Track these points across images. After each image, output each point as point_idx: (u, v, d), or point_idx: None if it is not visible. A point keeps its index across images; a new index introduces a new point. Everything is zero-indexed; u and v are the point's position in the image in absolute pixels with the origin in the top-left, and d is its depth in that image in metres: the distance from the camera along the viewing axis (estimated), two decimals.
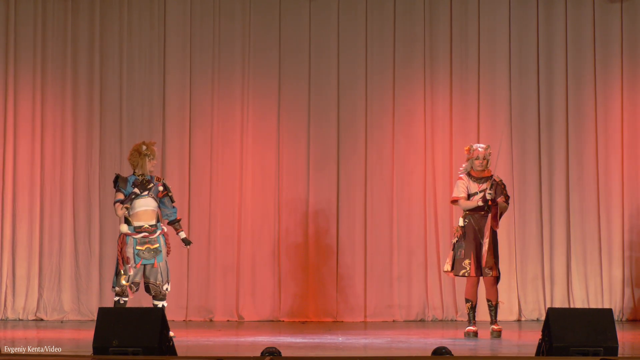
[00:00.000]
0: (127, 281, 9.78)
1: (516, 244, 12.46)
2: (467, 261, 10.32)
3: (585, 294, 12.51)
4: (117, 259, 9.83)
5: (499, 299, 10.56)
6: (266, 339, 9.88)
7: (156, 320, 7.35)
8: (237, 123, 12.61)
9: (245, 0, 12.68)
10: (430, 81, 12.68)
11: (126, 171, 10.65)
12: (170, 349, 7.44)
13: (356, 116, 12.64)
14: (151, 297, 9.97)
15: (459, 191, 10.50)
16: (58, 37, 12.57)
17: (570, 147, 12.62)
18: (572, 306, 12.29)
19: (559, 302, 12.46)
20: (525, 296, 12.54)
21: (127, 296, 9.81)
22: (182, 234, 10.22)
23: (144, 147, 10.01)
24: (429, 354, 7.54)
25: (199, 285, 12.46)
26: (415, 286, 12.50)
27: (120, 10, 12.60)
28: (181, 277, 12.34)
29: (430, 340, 9.84)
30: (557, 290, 12.52)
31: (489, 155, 10.51)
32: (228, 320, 12.38)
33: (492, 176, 10.45)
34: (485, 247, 10.27)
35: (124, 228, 9.88)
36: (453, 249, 10.44)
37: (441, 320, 12.38)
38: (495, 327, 10.38)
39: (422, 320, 12.44)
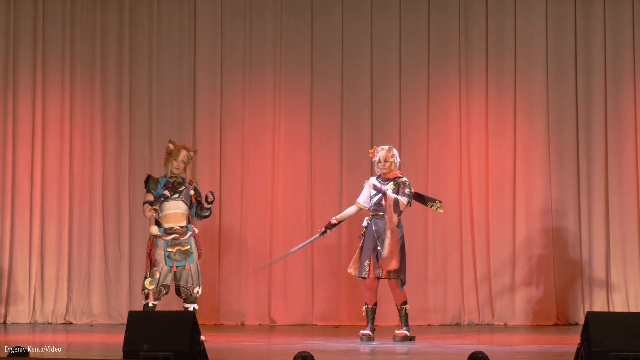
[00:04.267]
0: (153, 285, 9.69)
1: (553, 247, 12.26)
2: (366, 262, 10.20)
3: (625, 298, 12.30)
4: (146, 262, 9.77)
5: (407, 303, 10.30)
6: (298, 344, 9.78)
7: (187, 324, 7.32)
8: (269, 123, 12.50)
9: None
10: (465, 81, 12.50)
11: (156, 172, 10.57)
12: (202, 354, 7.41)
13: (390, 116, 12.50)
14: (182, 300, 9.91)
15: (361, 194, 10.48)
16: (87, 36, 12.53)
17: (609, 149, 12.41)
18: (611, 310, 12.10)
19: (598, 306, 12.26)
20: (563, 300, 12.34)
21: (155, 300, 9.71)
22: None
23: (171, 146, 9.92)
24: (465, 359, 7.42)
25: (230, 288, 12.36)
26: (451, 289, 12.32)
27: (150, 9, 12.55)
28: (212, 280, 12.25)
29: (466, 346, 9.70)
30: (596, 294, 12.32)
31: (392, 158, 10.29)
32: (260, 324, 12.28)
33: (397, 177, 10.28)
34: (386, 250, 10.08)
35: (154, 230, 9.81)
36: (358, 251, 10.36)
37: (477, 324, 12.19)
38: (397, 331, 10.22)
39: (457, 324, 12.27)
